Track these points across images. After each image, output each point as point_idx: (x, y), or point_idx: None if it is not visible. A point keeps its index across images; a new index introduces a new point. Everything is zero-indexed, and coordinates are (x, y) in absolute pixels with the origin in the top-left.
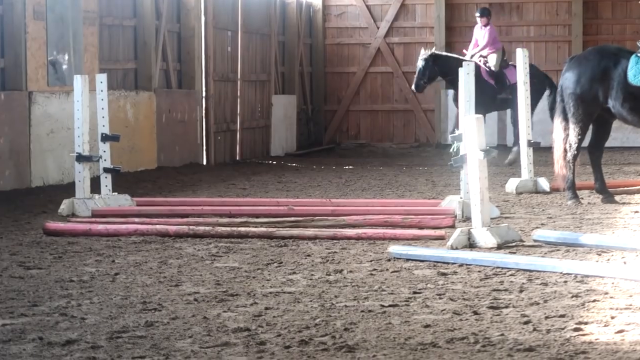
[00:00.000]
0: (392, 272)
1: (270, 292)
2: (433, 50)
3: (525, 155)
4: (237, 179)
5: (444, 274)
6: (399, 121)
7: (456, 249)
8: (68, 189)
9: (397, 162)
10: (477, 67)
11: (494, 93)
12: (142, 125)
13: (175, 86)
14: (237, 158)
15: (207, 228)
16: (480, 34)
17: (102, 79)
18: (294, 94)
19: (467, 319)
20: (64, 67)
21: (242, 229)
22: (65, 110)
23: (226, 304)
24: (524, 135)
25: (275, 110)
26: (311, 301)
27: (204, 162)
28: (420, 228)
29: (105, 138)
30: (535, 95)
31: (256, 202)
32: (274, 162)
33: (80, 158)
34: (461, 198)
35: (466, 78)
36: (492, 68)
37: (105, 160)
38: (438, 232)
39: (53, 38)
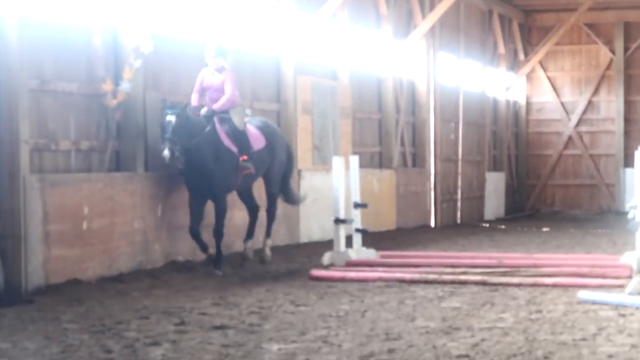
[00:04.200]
0: (582, 313)
1: (485, 327)
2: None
3: None
4: (458, 237)
5: (623, 315)
6: (585, 193)
7: (633, 295)
8: (327, 245)
9: (585, 226)
10: (214, 126)
11: (237, 163)
12: (385, 196)
13: (410, 165)
14: (458, 221)
15: (435, 276)
16: (215, 79)
17: (354, 160)
18: (503, 171)
19: None
20: (325, 150)
21: (462, 277)
22: (326, 183)
23: (450, 335)
24: None
25: (487, 184)
26: (517, 334)
27: (432, 225)
28: (604, 278)
29: (357, 205)
30: (280, 163)
31: (473, 256)
32: (487, 225)
33: (337, 221)
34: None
35: None
36: (237, 127)
37: (356, 222)
38: (618, 282)
39: (317, 128)
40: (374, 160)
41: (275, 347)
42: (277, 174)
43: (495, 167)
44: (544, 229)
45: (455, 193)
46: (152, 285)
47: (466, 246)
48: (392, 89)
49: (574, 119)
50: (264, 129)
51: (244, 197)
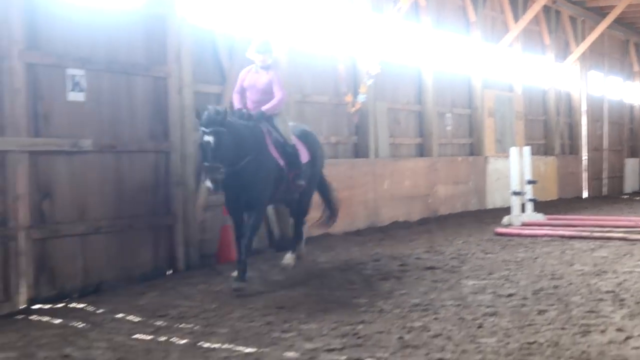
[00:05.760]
0: None
1: (626, 271)
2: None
3: None
4: (604, 206)
5: None
6: None
7: None
8: (507, 210)
9: None
10: (262, 136)
11: (283, 178)
12: (549, 175)
13: (567, 153)
14: (604, 194)
15: (587, 233)
16: (260, 78)
17: (527, 149)
18: (638, 157)
19: None
20: (505, 143)
21: (608, 234)
22: (505, 166)
23: (600, 276)
24: None
25: (626, 167)
26: None
27: (584, 196)
28: None
29: (529, 182)
30: (317, 173)
31: (616, 219)
32: (626, 197)
33: (514, 193)
34: None
35: None
36: (287, 140)
37: (528, 194)
38: None
39: (498, 127)
40: (541, 149)
41: (470, 282)
42: (314, 185)
43: (632, 154)
44: None
45: (602, 173)
46: (381, 238)
47: (610, 212)
48: (554, 98)
49: None
50: (306, 140)
51: (291, 205)
